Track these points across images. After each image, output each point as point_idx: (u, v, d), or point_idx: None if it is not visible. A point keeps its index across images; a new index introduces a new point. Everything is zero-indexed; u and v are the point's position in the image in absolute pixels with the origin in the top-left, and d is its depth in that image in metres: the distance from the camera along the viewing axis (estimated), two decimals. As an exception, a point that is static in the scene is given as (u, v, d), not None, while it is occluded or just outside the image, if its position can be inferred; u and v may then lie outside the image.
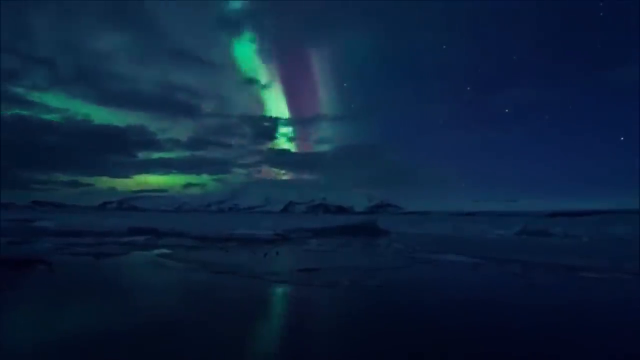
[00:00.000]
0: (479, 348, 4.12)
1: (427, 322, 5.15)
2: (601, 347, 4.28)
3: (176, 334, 4.47)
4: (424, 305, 6.19)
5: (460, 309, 5.89)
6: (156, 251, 13.75)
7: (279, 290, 7.26)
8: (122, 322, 4.97)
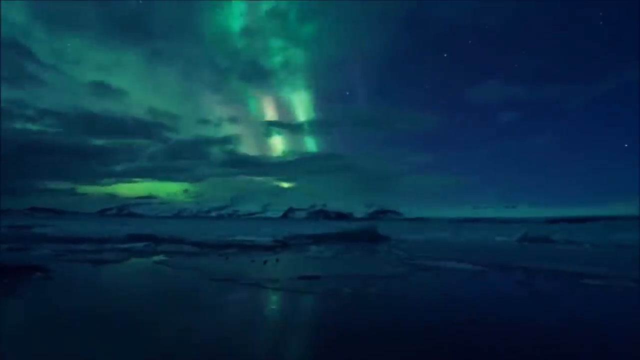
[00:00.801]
0: (482, 359, 4.03)
1: (428, 332, 5.05)
2: (607, 355, 4.19)
3: (175, 343, 4.38)
4: (425, 315, 6.10)
5: (463, 318, 5.79)
6: (155, 258, 13.64)
7: (279, 298, 7.16)
8: (120, 332, 4.88)
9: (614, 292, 7.95)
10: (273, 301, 6.93)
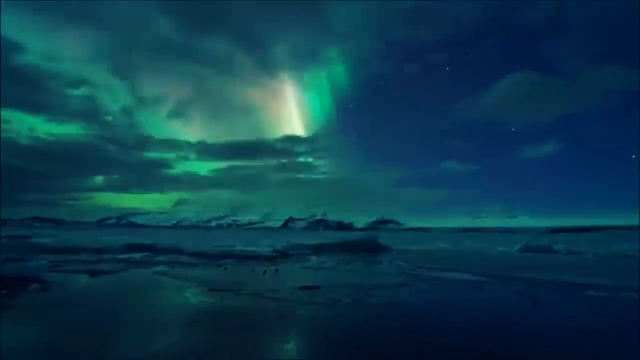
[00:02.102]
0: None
1: (429, 343, 4.96)
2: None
3: (173, 354, 4.28)
4: (426, 325, 6.00)
5: (464, 329, 5.69)
6: (153, 268, 13.50)
7: (278, 308, 7.05)
8: (116, 347, 4.78)
9: (618, 304, 7.84)
10: (272, 312, 6.82)
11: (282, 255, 19.84)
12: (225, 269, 13.55)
